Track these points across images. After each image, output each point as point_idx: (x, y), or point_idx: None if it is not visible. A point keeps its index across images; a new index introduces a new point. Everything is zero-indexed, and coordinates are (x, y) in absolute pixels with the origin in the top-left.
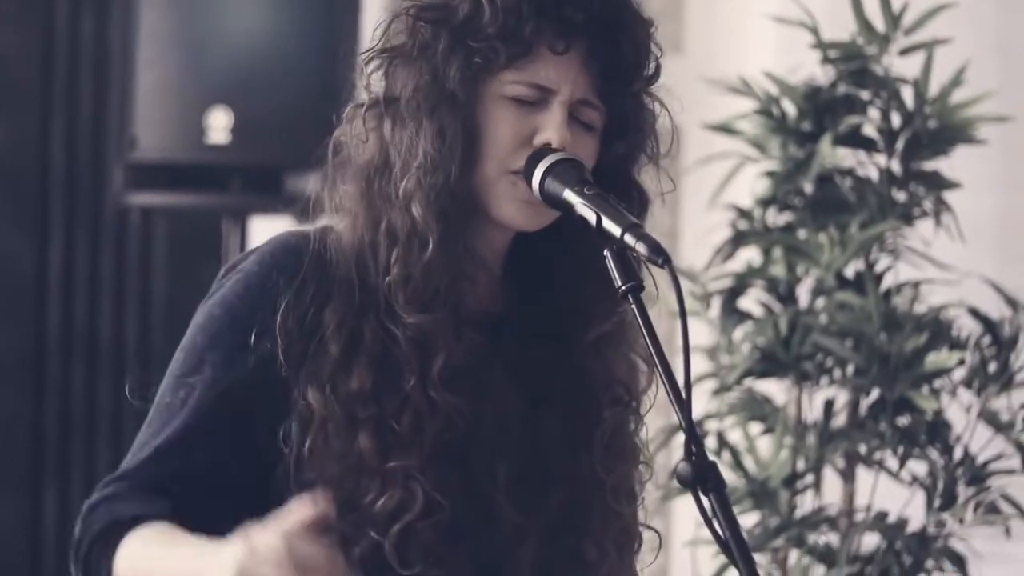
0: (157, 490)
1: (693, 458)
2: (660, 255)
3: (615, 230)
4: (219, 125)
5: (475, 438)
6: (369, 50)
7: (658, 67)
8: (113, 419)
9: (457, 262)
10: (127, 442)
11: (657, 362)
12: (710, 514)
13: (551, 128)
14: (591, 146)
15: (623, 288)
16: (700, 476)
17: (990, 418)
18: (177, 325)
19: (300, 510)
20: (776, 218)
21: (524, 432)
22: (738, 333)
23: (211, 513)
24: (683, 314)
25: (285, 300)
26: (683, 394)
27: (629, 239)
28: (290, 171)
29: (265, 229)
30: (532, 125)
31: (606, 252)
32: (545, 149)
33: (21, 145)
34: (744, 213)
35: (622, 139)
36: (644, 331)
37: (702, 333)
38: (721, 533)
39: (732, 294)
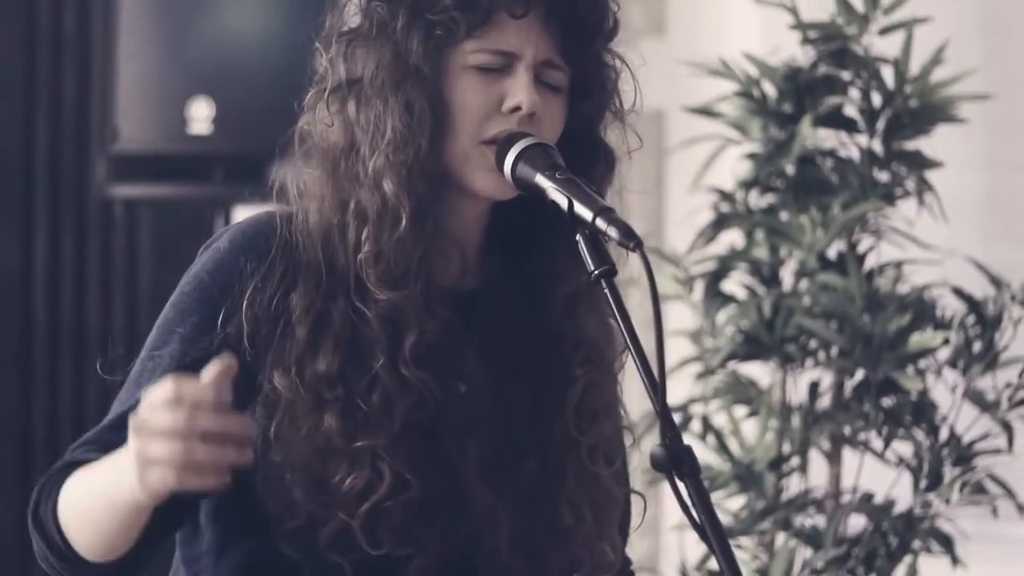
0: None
1: (668, 442)
2: (632, 239)
3: (587, 215)
4: (201, 116)
5: (446, 416)
6: (326, 35)
7: (616, 22)
8: (101, 411)
9: (428, 238)
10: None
11: (630, 346)
12: (686, 499)
13: (520, 92)
14: (559, 108)
15: (595, 273)
16: (675, 461)
17: (975, 398)
18: None
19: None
20: (758, 200)
21: (496, 407)
22: (722, 316)
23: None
24: (655, 298)
25: (252, 284)
26: (657, 378)
27: (601, 223)
28: (273, 161)
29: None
30: (499, 92)
31: (578, 237)
32: (516, 134)
33: (5, 138)
34: (726, 196)
35: (588, 98)
36: (617, 315)
37: (685, 316)
38: (697, 517)
39: (715, 277)
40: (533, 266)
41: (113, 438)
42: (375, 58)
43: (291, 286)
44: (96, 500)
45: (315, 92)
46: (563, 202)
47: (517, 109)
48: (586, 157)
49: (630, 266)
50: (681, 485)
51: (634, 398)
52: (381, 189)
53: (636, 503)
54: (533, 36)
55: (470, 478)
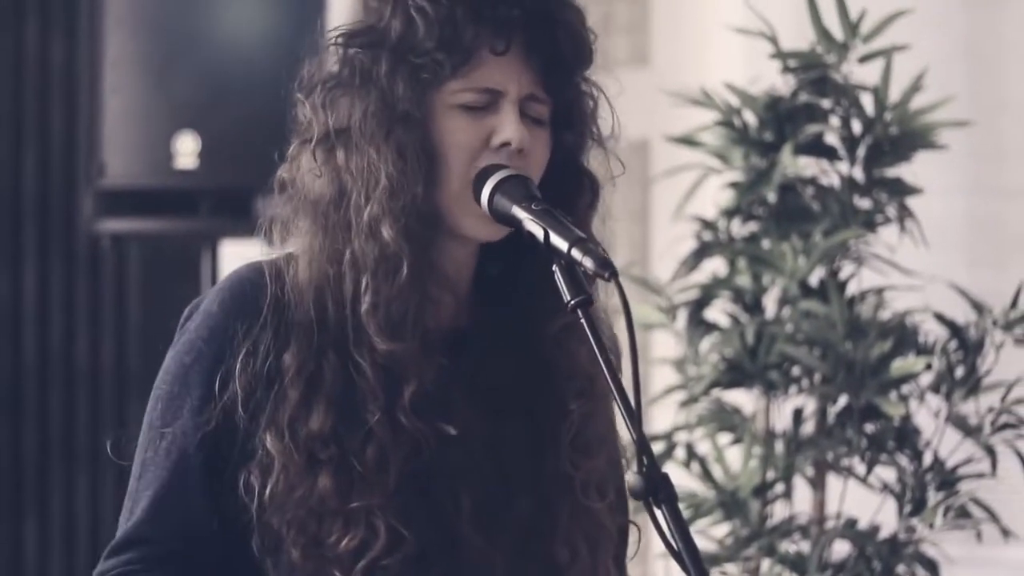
0: (162, 559)
1: (644, 470)
2: (606, 268)
3: (562, 245)
4: (187, 150)
5: (439, 465)
6: (305, 84)
7: (593, 52)
8: (91, 445)
9: (426, 283)
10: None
11: (607, 374)
12: (663, 526)
13: (508, 128)
14: (544, 140)
15: (572, 303)
16: (651, 488)
17: (958, 422)
18: (152, 350)
19: None
20: (740, 228)
21: (488, 448)
22: (705, 344)
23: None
24: (630, 326)
25: (244, 348)
26: (633, 406)
27: (576, 253)
28: (259, 194)
29: (236, 252)
30: (487, 129)
31: (555, 267)
32: (491, 167)
33: None
34: (708, 224)
35: (570, 129)
36: (595, 345)
37: (669, 345)
38: (674, 544)
39: (698, 305)
40: (522, 302)
41: (155, 534)
42: (361, 105)
43: (283, 346)
44: None
45: (299, 143)
46: (539, 233)
47: (506, 145)
48: (571, 187)
49: (613, 296)
50: (659, 513)
51: (617, 427)
52: (379, 237)
53: (631, 532)
54: (515, 71)
55: (464, 527)
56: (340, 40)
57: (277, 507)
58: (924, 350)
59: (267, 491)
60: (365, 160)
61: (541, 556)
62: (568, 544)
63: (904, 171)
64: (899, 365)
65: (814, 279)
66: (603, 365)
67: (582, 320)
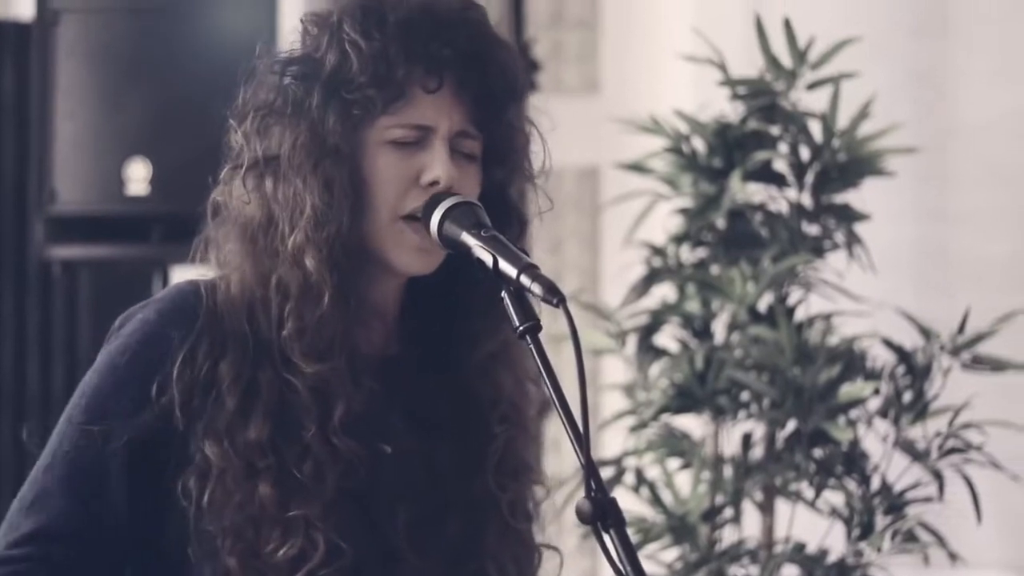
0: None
1: (593, 495)
2: (555, 295)
3: (511, 271)
4: (138, 176)
5: (375, 481)
6: (240, 109)
7: (523, 88)
8: None
9: (351, 312)
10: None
11: (555, 400)
12: (611, 550)
13: (437, 166)
14: (474, 176)
15: (520, 328)
16: (600, 513)
17: (906, 447)
18: None
19: None
20: (689, 254)
21: (421, 469)
22: (654, 369)
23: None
24: (578, 352)
25: (181, 355)
26: (581, 431)
27: (525, 280)
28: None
29: (187, 278)
30: (417, 166)
31: (503, 294)
32: (442, 194)
33: None
34: (658, 250)
35: (500, 164)
36: (542, 370)
37: (619, 370)
38: (622, 569)
39: (648, 331)
40: (450, 329)
41: (61, 529)
42: (292, 135)
43: (220, 355)
44: None
45: (230, 167)
46: (488, 259)
47: (435, 183)
48: (498, 220)
49: (561, 322)
50: (607, 537)
51: (566, 452)
52: (302, 266)
53: (551, 557)
54: (446, 108)
55: (399, 543)
56: (277, 68)
57: (215, 513)
58: (872, 375)
59: (205, 497)
60: (292, 190)
61: (473, 574)
62: (496, 564)
63: (852, 197)
64: (847, 390)
65: (763, 305)
66: (551, 391)
67: (531, 346)
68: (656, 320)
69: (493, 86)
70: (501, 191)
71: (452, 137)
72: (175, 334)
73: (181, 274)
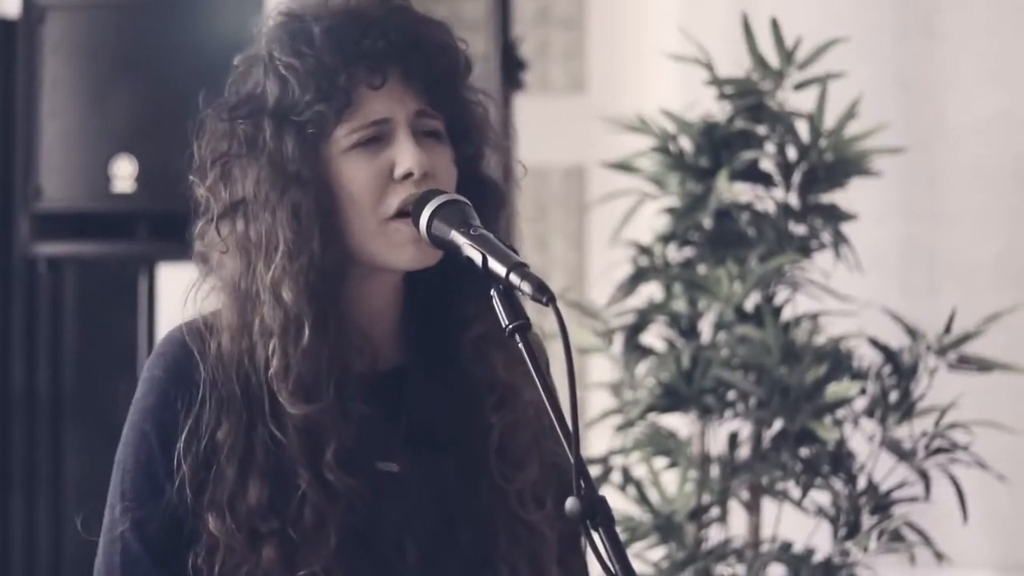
0: None
1: (582, 493)
2: (544, 293)
3: (500, 270)
4: (124, 174)
5: (379, 516)
6: (198, 165)
7: (469, 60)
8: (27, 468)
9: (334, 339)
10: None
11: (545, 399)
12: (601, 549)
13: (406, 157)
14: (446, 155)
15: (510, 327)
16: (589, 511)
17: (892, 446)
18: (88, 373)
19: None
20: (676, 254)
21: (425, 487)
22: (641, 368)
23: None
24: (568, 350)
25: (188, 427)
26: (571, 429)
27: (514, 278)
28: (196, 218)
29: (173, 275)
30: (387, 162)
31: (493, 292)
32: (429, 193)
33: None
34: (644, 250)
35: (466, 140)
36: (532, 369)
37: (605, 369)
38: (612, 568)
39: (634, 330)
40: (445, 320)
41: None
42: (253, 173)
43: (217, 424)
44: None
45: (203, 223)
46: (477, 258)
47: (409, 175)
48: (475, 197)
49: (550, 320)
50: (596, 536)
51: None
52: (282, 301)
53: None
54: (397, 97)
55: (410, 575)
56: (224, 115)
57: None
58: (858, 375)
59: (215, 571)
60: (263, 226)
61: None
62: (509, 567)
63: (839, 197)
64: (834, 390)
65: (749, 304)
66: (541, 389)
67: (520, 345)
68: (643, 319)
69: (436, 66)
70: (473, 167)
71: (412, 120)
72: (179, 403)
73: (167, 271)
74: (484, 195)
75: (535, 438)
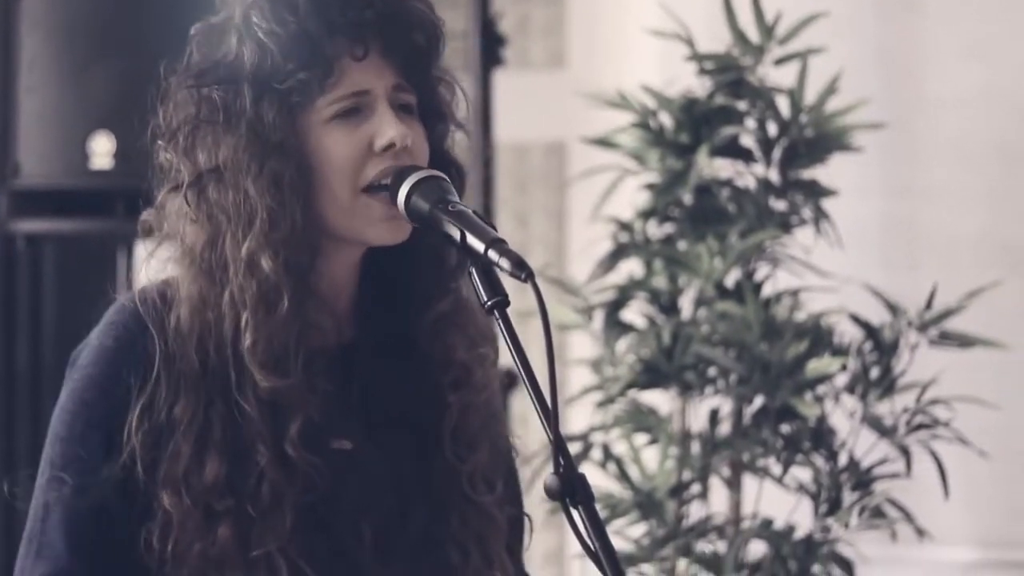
0: None
1: (561, 471)
2: (523, 270)
3: (479, 246)
4: (102, 150)
5: (336, 495)
6: (164, 129)
7: (444, 41)
8: (5, 445)
9: (306, 310)
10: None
11: (523, 376)
12: (580, 526)
13: (388, 128)
14: (421, 131)
15: (489, 303)
16: (568, 489)
17: (874, 423)
18: (68, 349)
19: None
20: (657, 230)
21: (380, 466)
22: (621, 345)
23: None
24: (547, 327)
25: (141, 403)
26: (550, 407)
27: (492, 255)
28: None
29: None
30: (366, 134)
31: (471, 268)
32: (407, 168)
33: None
34: (625, 226)
35: (436, 119)
36: (511, 346)
37: (586, 346)
38: (591, 545)
39: (615, 306)
40: (402, 298)
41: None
42: (231, 141)
43: (174, 400)
44: None
45: (167, 190)
46: (455, 234)
47: (391, 146)
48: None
49: (529, 297)
50: (575, 513)
51: (534, 428)
52: (258, 272)
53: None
54: (377, 70)
55: (365, 559)
56: (190, 80)
57: (179, 563)
58: (839, 351)
59: (168, 548)
60: (241, 195)
61: (436, 564)
62: (459, 547)
63: (819, 173)
64: (814, 366)
65: (730, 280)
66: (519, 366)
67: (499, 321)
68: (623, 295)
69: (416, 41)
70: (440, 146)
71: (390, 93)
72: (132, 379)
73: (146, 249)
74: (449, 175)
75: (488, 420)
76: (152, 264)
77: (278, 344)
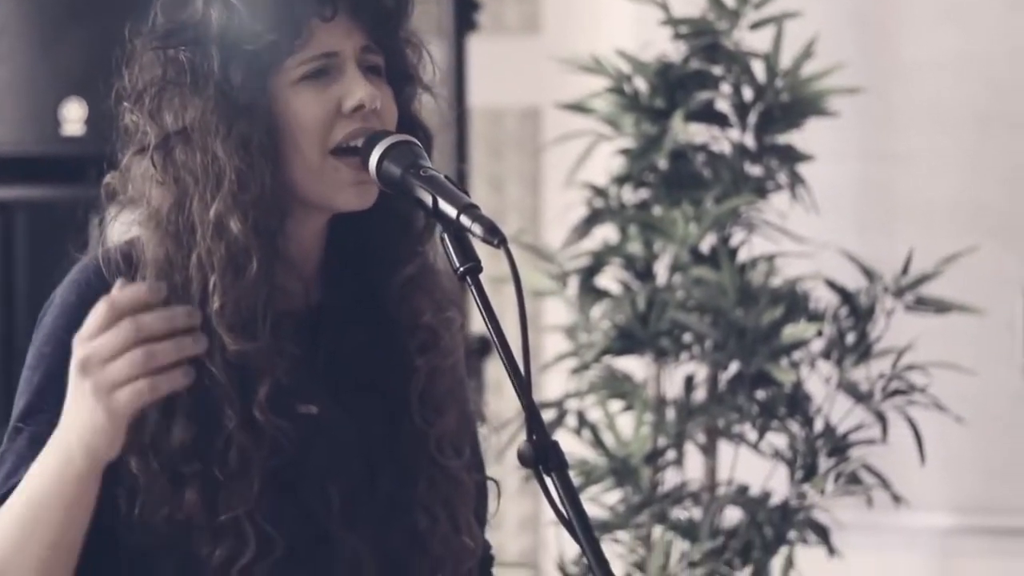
0: None
1: (534, 438)
2: (496, 235)
3: (451, 211)
4: (74, 117)
5: (304, 459)
6: (129, 91)
7: (411, 2)
8: None
9: (274, 273)
10: None
11: (496, 342)
12: (553, 494)
13: (357, 89)
14: (389, 94)
15: (461, 269)
16: (541, 456)
17: (849, 389)
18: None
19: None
20: (631, 195)
21: (348, 431)
22: (596, 311)
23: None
24: (520, 293)
25: None
26: (523, 374)
27: (465, 220)
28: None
29: (124, 219)
30: (334, 96)
31: (443, 234)
32: (379, 133)
33: None
34: (599, 191)
35: (403, 81)
36: (484, 312)
37: (561, 312)
38: (564, 512)
39: (589, 272)
40: (369, 262)
41: None
42: (199, 103)
43: None
44: (34, 513)
45: (132, 153)
46: (427, 199)
47: (360, 107)
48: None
49: (503, 263)
50: (549, 480)
51: (509, 395)
52: (227, 234)
53: (492, 489)
54: (345, 31)
55: (332, 524)
56: (156, 42)
57: (146, 527)
58: (815, 316)
59: (135, 513)
60: (208, 157)
61: (404, 529)
62: (427, 512)
63: (795, 138)
64: (790, 332)
65: (705, 246)
66: (492, 333)
67: (471, 288)
68: (598, 261)
69: (386, 1)
70: (408, 107)
71: (359, 55)
72: None
73: (109, 213)
74: (417, 138)
75: (455, 384)
76: (116, 228)
77: (246, 307)
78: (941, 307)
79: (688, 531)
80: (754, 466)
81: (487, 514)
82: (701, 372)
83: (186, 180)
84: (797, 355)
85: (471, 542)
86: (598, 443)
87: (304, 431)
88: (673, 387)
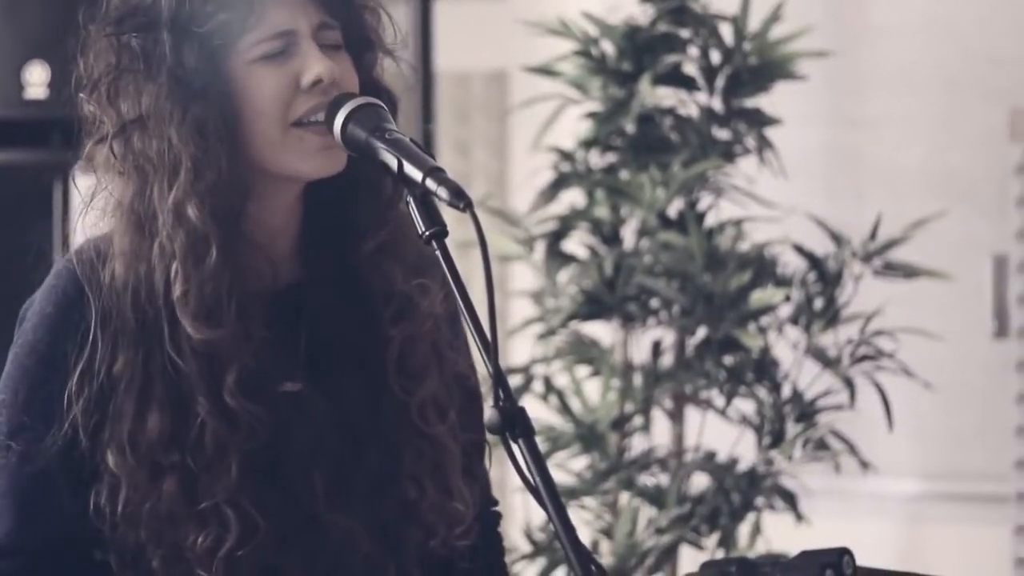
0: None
1: (501, 404)
2: (461, 199)
3: (416, 175)
4: (37, 80)
5: (283, 443)
6: (85, 82)
7: None
8: None
9: (238, 258)
10: None
11: (462, 308)
12: (520, 460)
13: (314, 64)
14: (349, 65)
15: (427, 233)
16: (508, 423)
17: (817, 354)
18: (6, 281)
19: None
20: (598, 159)
21: (328, 410)
22: (563, 276)
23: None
24: (486, 258)
25: (80, 367)
26: (489, 339)
27: (431, 184)
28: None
29: (87, 184)
30: (292, 72)
31: (409, 198)
32: (343, 96)
33: None
34: (566, 155)
35: (363, 48)
36: (450, 277)
37: (527, 277)
38: (531, 479)
39: (556, 237)
40: (343, 232)
41: (16, 543)
42: (153, 89)
43: (112, 360)
44: None
45: (93, 143)
46: (392, 163)
47: (318, 82)
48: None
49: (468, 227)
50: (515, 447)
51: (475, 360)
52: (186, 221)
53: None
54: (300, 7)
55: (318, 506)
56: (109, 29)
57: (131, 524)
58: (783, 282)
59: (119, 510)
60: (165, 144)
61: (393, 500)
62: (415, 482)
63: (763, 102)
64: (758, 297)
65: (672, 210)
66: (458, 298)
67: (437, 252)
68: (565, 226)
69: None
70: (369, 75)
71: (315, 32)
72: (68, 346)
73: (82, 180)
74: (381, 102)
75: (434, 349)
76: (89, 217)
77: (209, 294)
78: (909, 272)
79: (655, 497)
80: (721, 432)
81: (483, 470)
82: (668, 337)
83: (145, 168)
84: (765, 320)
85: (462, 506)
86: (565, 409)
87: (283, 413)
88: (640, 352)
